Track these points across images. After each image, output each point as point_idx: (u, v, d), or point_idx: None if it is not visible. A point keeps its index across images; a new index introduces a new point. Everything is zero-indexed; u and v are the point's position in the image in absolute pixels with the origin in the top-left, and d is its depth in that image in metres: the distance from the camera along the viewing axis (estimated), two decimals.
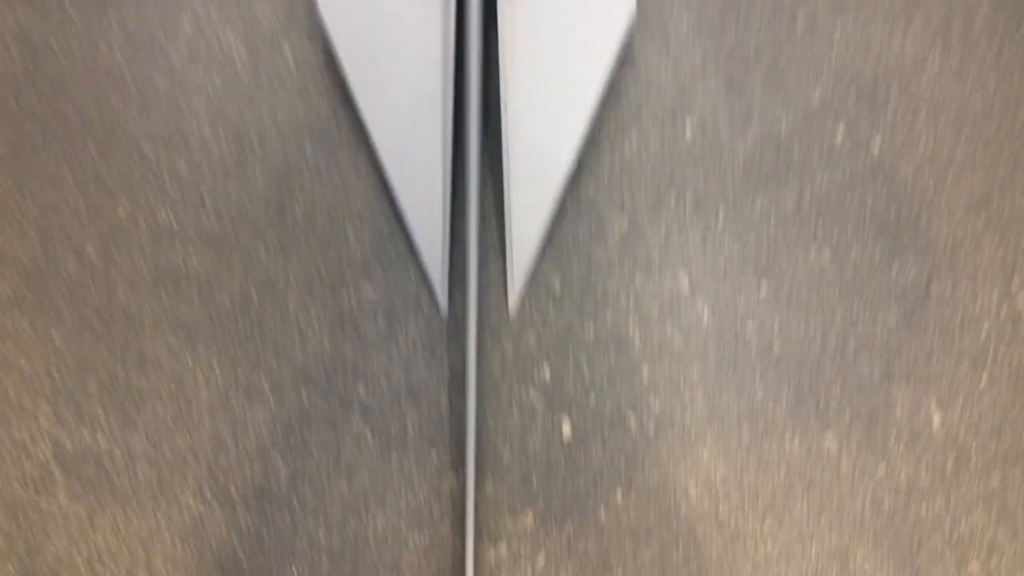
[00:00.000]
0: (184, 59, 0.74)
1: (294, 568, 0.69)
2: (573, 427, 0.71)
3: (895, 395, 0.71)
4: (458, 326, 0.72)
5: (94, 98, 0.74)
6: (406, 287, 0.72)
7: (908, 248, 0.73)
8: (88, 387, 0.70)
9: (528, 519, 0.69)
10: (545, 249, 0.73)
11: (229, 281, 0.72)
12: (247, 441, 0.70)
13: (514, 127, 0.72)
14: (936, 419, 0.71)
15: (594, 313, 0.72)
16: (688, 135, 0.74)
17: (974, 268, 0.73)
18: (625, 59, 0.76)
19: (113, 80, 0.74)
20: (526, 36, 0.72)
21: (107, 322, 0.71)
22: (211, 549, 0.69)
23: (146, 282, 0.71)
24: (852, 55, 0.76)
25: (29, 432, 0.70)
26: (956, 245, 0.73)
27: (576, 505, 0.69)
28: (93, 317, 0.71)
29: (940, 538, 0.70)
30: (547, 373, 0.71)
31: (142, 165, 0.73)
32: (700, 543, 0.69)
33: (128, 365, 0.70)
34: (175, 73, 0.74)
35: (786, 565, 0.69)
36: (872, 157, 0.75)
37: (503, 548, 0.69)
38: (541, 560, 0.69)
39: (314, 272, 0.72)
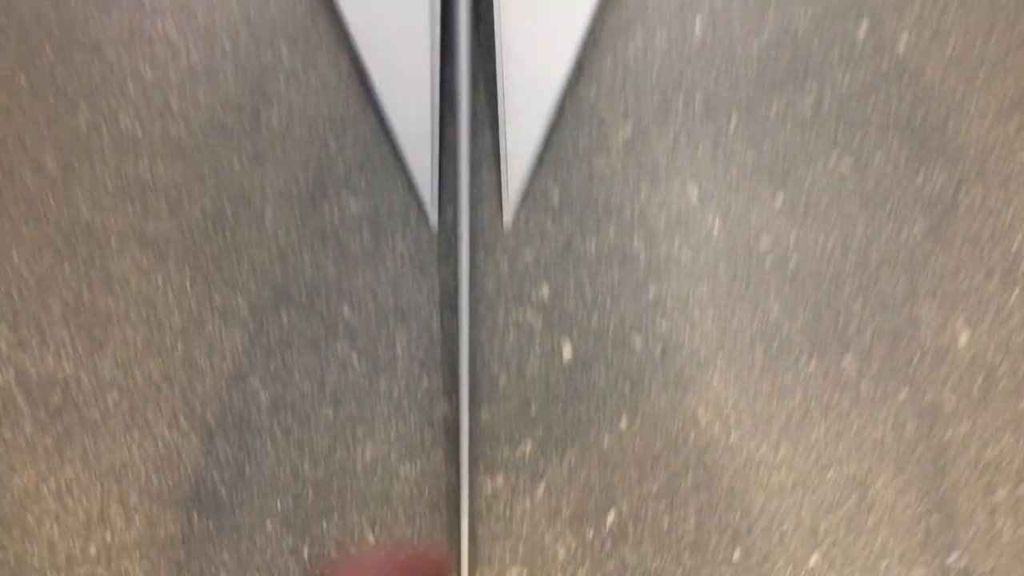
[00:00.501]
0: None
1: (277, 501, 0.65)
2: (574, 349, 0.66)
3: (919, 313, 0.66)
4: (449, 241, 0.66)
5: None
6: (393, 199, 0.67)
7: (935, 155, 0.67)
8: (52, 309, 0.65)
9: (527, 447, 0.65)
10: (543, 158, 0.68)
11: (200, 194, 0.66)
12: (224, 366, 0.65)
13: (508, 25, 0.66)
14: (963, 338, 0.66)
15: (596, 227, 0.67)
16: (697, 33, 0.68)
17: (1005, 176, 0.67)
18: None
19: None
20: None
21: (69, 239, 0.65)
22: (188, 481, 0.65)
23: (110, 195, 0.66)
24: None
25: None
26: (986, 151, 0.68)
27: (578, 432, 0.65)
28: (54, 233, 0.65)
29: (966, 464, 0.66)
30: (546, 291, 0.66)
31: (103, 69, 0.67)
32: (710, 471, 0.65)
33: (94, 285, 0.65)
34: None
35: (801, 494, 0.64)
36: (897, 56, 0.69)
37: (500, 479, 0.65)
38: (541, 491, 0.64)
39: (292, 184, 0.66)
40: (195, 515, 0.64)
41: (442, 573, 0.25)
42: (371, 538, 0.65)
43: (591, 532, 0.64)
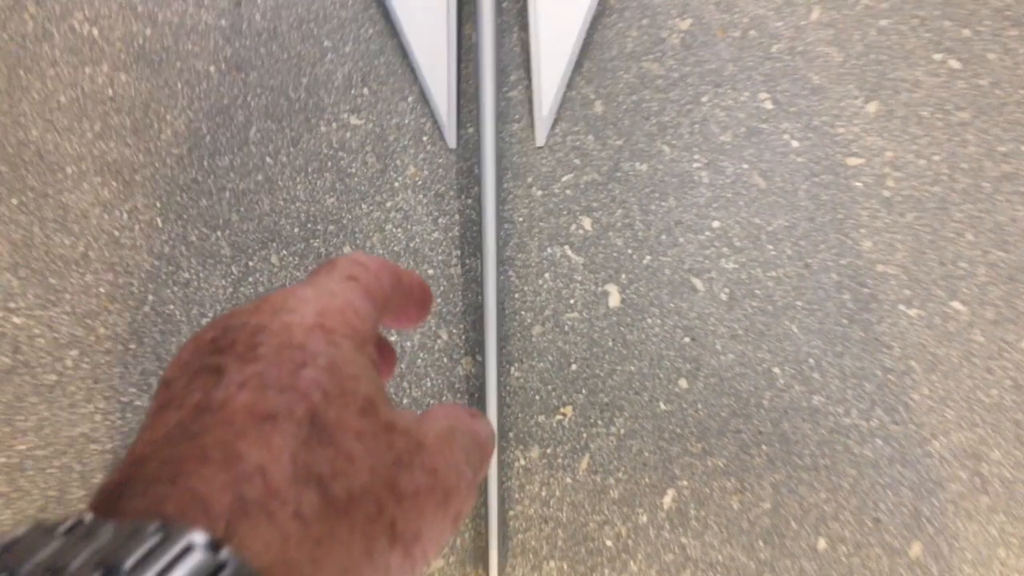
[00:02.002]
0: None
1: None
2: (622, 294, 0.54)
3: None
4: (471, 164, 0.55)
5: None
6: (402, 114, 0.55)
7: None
8: None
9: (567, 414, 0.54)
10: (581, 61, 0.55)
11: (171, 110, 0.55)
12: (203, 319, 0.54)
13: None
14: None
15: (647, 145, 0.55)
16: None
17: None
18: None
19: None
20: None
21: (16, 167, 0.55)
22: None
23: (64, 112, 0.55)
24: None
25: None
26: None
27: (628, 395, 0.53)
28: None
29: None
30: (587, 225, 0.55)
31: None
32: (789, 442, 0.53)
33: (47, 221, 0.54)
34: None
35: (901, 468, 0.53)
36: None
37: (534, 451, 0.54)
38: (584, 466, 0.53)
39: (281, 97, 0.55)
40: None
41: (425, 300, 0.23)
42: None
43: (644, 517, 0.53)
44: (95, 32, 0.56)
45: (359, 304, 0.20)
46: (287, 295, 0.19)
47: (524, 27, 0.57)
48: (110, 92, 0.56)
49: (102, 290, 0.55)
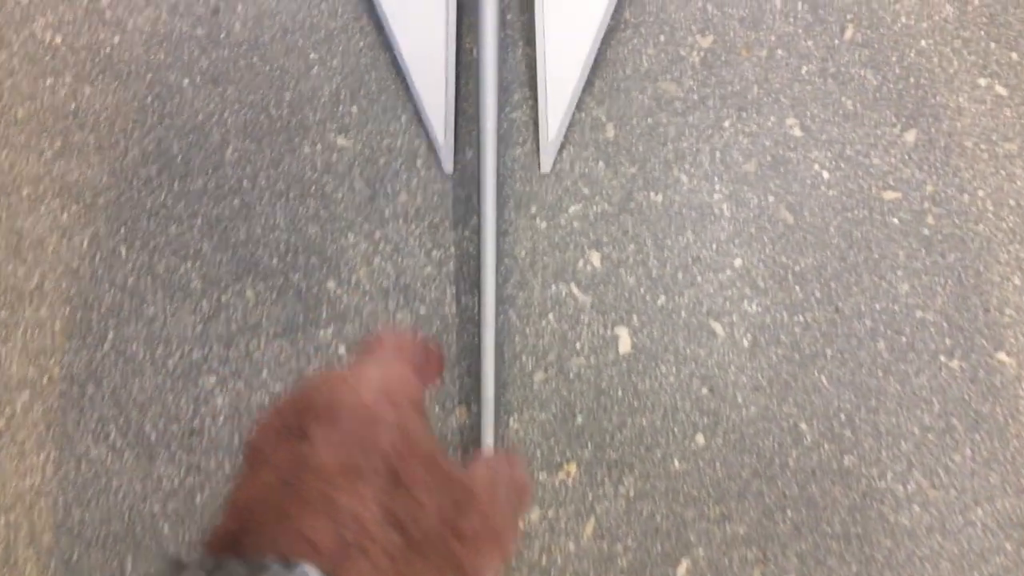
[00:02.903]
0: None
1: None
2: (633, 338, 0.49)
3: None
4: (468, 191, 0.50)
5: None
6: (394, 136, 0.50)
7: None
8: None
9: (571, 471, 0.49)
10: (592, 81, 0.50)
11: (140, 127, 0.50)
12: (169, 359, 0.49)
13: None
14: None
15: (664, 173, 0.50)
16: None
17: None
18: None
19: None
20: None
21: None
22: (120, 514, 0.49)
23: (22, 128, 0.50)
24: None
25: None
26: None
27: (638, 452, 0.48)
28: None
29: None
30: (596, 260, 0.49)
31: None
32: (817, 506, 0.48)
33: (1, 248, 0.49)
34: None
35: (940, 539, 0.48)
36: None
37: (534, 513, 0.49)
38: (589, 530, 0.48)
39: (262, 114, 0.50)
40: (129, 562, 0.48)
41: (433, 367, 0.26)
42: None
43: None
44: (58, 40, 0.51)
45: (408, 374, 0.25)
46: (352, 370, 0.23)
47: (530, 42, 0.52)
48: (73, 106, 0.51)
49: (58, 326, 0.50)
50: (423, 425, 0.22)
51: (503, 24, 0.51)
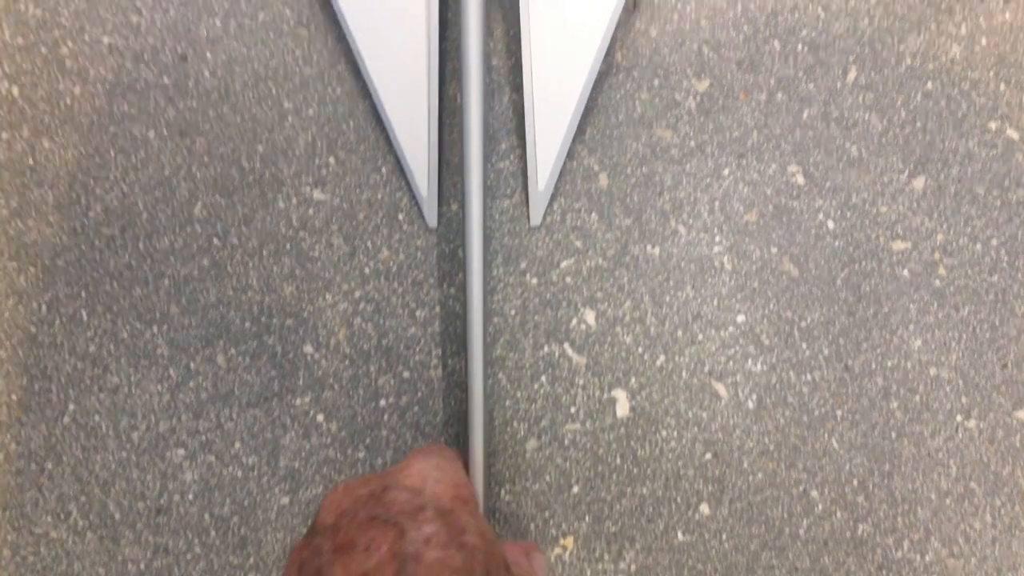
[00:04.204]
0: None
1: None
2: (632, 401, 0.46)
3: None
4: (453, 247, 0.47)
5: None
6: (374, 188, 0.47)
7: None
8: None
9: (567, 547, 0.45)
10: (583, 127, 0.48)
11: (102, 183, 0.47)
12: (135, 432, 0.45)
13: None
14: None
15: (661, 227, 0.47)
16: None
17: None
18: None
19: None
20: None
21: None
22: None
23: None
24: None
25: None
26: None
27: (639, 524, 0.45)
28: None
29: None
30: (590, 320, 0.47)
31: None
32: None
33: None
34: None
35: None
36: None
37: None
38: None
39: (233, 167, 0.47)
40: None
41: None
42: None
43: None
44: (15, 91, 0.48)
45: (465, 477, 0.28)
46: (424, 466, 0.26)
47: (517, 88, 0.49)
48: (30, 161, 0.48)
49: (14, 397, 0.46)
50: (489, 527, 0.26)
51: (488, 69, 0.49)
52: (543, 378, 0.48)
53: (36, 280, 0.48)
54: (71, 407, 0.47)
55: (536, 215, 0.49)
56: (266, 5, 0.49)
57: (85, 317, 0.47)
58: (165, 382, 0.47)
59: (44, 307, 0.48)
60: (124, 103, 0.49)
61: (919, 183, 0.49)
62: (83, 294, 0.48)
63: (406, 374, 0.48)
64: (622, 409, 0.47)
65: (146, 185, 0.48)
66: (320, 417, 0.47)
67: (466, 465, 0.45)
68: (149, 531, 0.46)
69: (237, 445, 0.47)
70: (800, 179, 0.49)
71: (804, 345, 0.48)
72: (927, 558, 0.46)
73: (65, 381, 0.47)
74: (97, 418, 0.47)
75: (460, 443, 0.47)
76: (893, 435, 0.47)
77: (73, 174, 0.48)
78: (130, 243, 0.48)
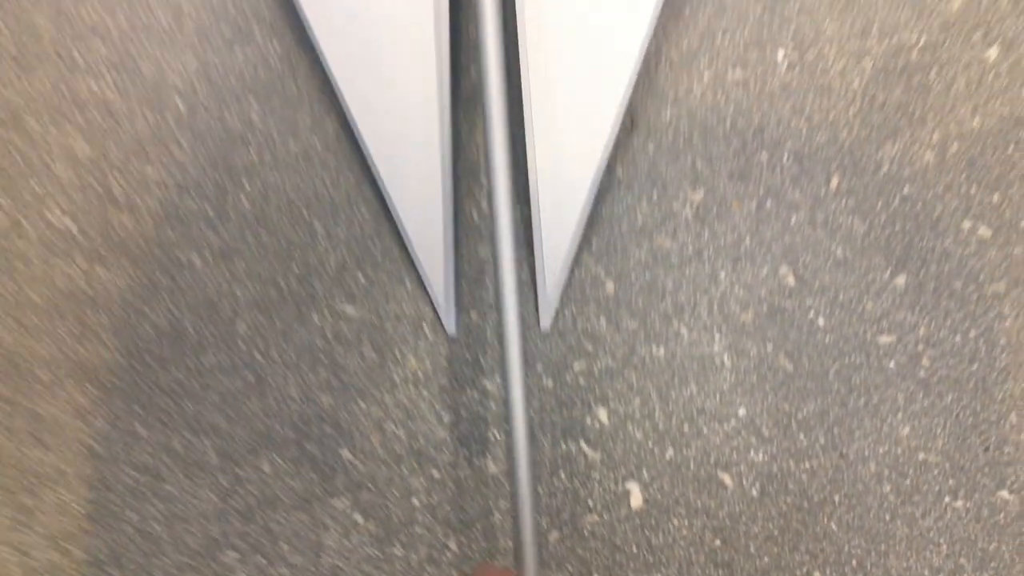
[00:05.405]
0: None
1: None
2: (644, 493, 0.50)
3: None
4: (474, 352, 0.51)
5: None
6: (400, 302, 0.52)
7: None
8: None
9: None
10: (589, 237, 0.52)
11: (154, 306, 0.51)
12: (189, 536, 0.49)
13: (537, 65, 0.51)
14: None
15: (664, 327, 0.51)
16: (782, 67, 0.53)
17: None
18: None
19: None
20: None
21: None
22: None
23: (38, 312, 0.51)
24: None
25: None
26: None
27: None
28: None
29: None
30: (603, 416, 0.51)
31: (24, 146, 0.52)
32: None
33: (18, 433, 0.50)
34: (63, 11, 0.53)
35: None
36: None
37: None
38: None
39: (271, 287, 0.51)
40: None
41: None
42: None
43: None
44: (70, 224, 0.53)
45: None
46: None
47: (526, 201, 0.53)
48: (87, 288, 0.52)
49: (79, 509, 0.51)
50: None
51: (514, 187, 0.53)
52: (562, 473, 0.52)
53: (96, 399, 0.52)
54: (131, 515, 0.51)
55: (546, 320, 0.53)
56: (296, 136, 0.54)
57: (141, 431, 0.52)
58: (216, 489, 0.51)
59: (103, 422, 0.52)
60: (170, 231, 0.54)
61: (901, 280, 0.53)
62: (138, 409, 0.52)
63: (436, 474, 0.52)
64: (636, 500, 0.51)
65: (192, 306, 0.53)
66: (359, 517, 0.51)
67: (495, 558, 0.49)
68: None
69: (284, 546, 0.51)
70: (791, 280, 0.53)
71: (801, 435, 0.52)
72: None
73: (124, 492, 0.51)
74: (155, 525, 0.51)
75: (488, 538, 0.51)
76: (887, 517, 0.51)
77: (126, 298, 0.53)
78: (180, 361, 0.52)
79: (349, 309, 0.53)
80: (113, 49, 0.54)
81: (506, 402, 0.48)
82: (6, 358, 0.52)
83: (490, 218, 0.49)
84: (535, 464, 0.52)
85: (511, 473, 0.48)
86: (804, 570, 0.50)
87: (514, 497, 0.47)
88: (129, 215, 0.54)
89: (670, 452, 0.52)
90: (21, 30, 0.54)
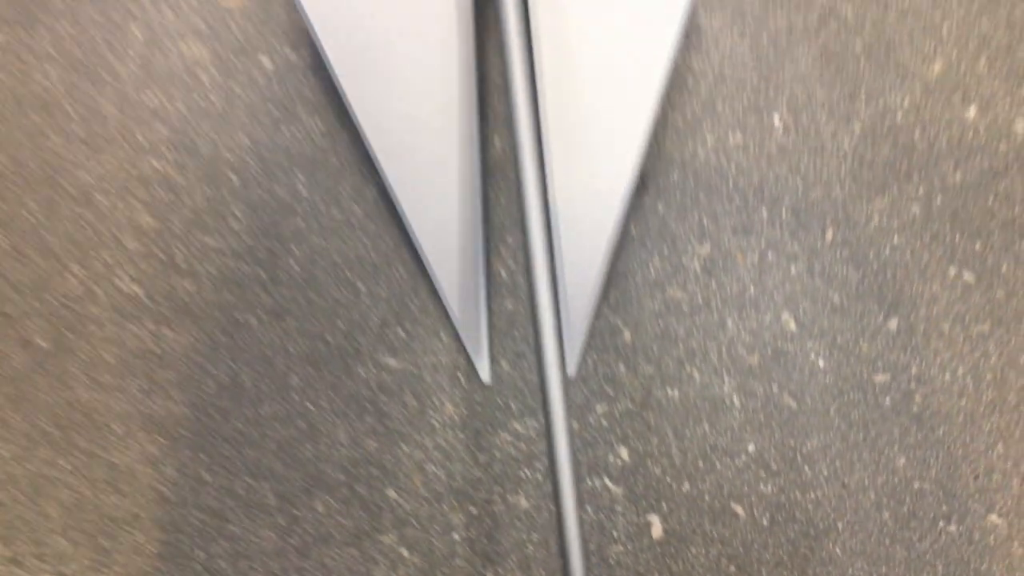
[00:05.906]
0: (136, 78, 0.59)
1: None
2: (665, 524, 0.55)
3: None
4: (507, 400, 0.56)
5: (28, 137, 0.59)
6: (437, 353, 0.57)
7: None
8: (48, 514, 0.56)
9: None
10: (607, 291, 0.58)
11: (214, 362, 0.57)
12: (253, 574, 0.55)
13: (558, 136, 0.57)
14: None
15: (678, 371, 0.56)
16: (778, 129, 0.59)
17: None
18: (689, 41, 0.60)
19: (51, 112, 0.59)
20: (564, 19, 0.56)
21: (65, 428, 0.56)
22: None
23: (110, 371, 0.57)
24: (979, 8, 0.60)
25: None
26: None
27: None
28: (46, 421, 0.56)
29: None
30: (624, 454, 0.56)
31: (95, 220, 0.58)
32: None
33: (96, 481, 0.56)
34: (127, 97, 0.59)
35: None
36: (1016, 141, 0.58)
37: None
38: None
39: (320, 343, 0.57)
40: None
41: None
42: None
43: None
44: (138, 290, 0.58)
45: None
46: None
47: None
48: (154, 347, 0.58)
49: (152, 549, 0.56)
50: None
51: (551, 247, 0.58)
52: (588, 508, 0.57)
53: (164, 448, 0.58)
54: (199, 554, 0.56)
55: (572, 367, 0.58)
56: (339, 204, 0.60)
57: (206, 477, 0.57)
58: (275, 528, 0.57)
59: (172, 470, 0.57)
60: (228, 294, 0.59)
61: (893, 324, 0.58)
62: (204, 457, 0.58)
63: (473, 511, 0.57)
64: (656, 531, 0.56)
65: (250, 362, 0.58)
66: (404, 551, 0.57)
67: None
68: None
69: None
70: (792, 326, 0.58)
71: (806, 468, 0.57)
72: None
73: (193, 532, 0.57)
74: (221, 563, 0.56)
75: (524, 569, 0.56)
76: (887, 541, 0.56)
77: (190, 356, 0.59)
78: (239, 412, 0.58)
79: (391, 361, 0.59)
80: (172, 130, 0.61)
81: (549, 446, 0.54)
82: (83, 413, 0.58)
83: (527, 272, 0.54)
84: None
85: (557, 509, 0.53)
86: None
87: (560, 528, 0.52)
88: (191, 280, 0.59)
89: (686, 486, 0.57)
90: (90, 116, 0.61)
